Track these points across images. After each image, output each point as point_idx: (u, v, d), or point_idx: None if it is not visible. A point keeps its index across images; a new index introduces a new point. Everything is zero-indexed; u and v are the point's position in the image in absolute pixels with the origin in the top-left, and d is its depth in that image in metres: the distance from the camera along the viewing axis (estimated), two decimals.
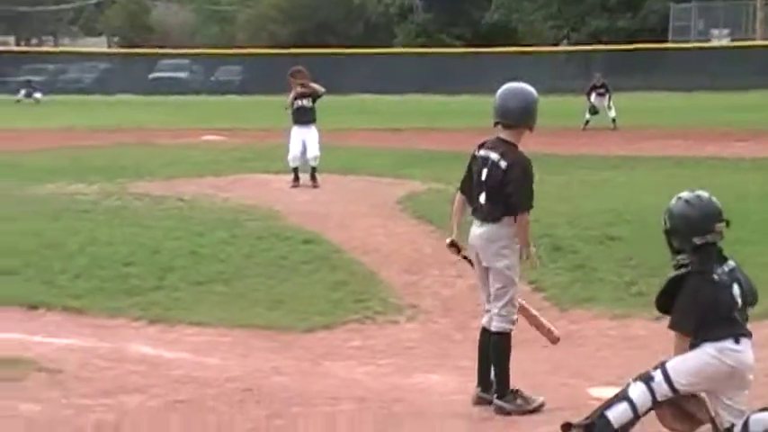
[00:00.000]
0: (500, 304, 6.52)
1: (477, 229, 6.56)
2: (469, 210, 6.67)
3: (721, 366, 5.28)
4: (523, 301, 6.75)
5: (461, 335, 8.45)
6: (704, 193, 5.33)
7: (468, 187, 6.65)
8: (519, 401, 6.47)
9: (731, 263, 5.34)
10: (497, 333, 6.53)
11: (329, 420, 6.33)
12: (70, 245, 11.43)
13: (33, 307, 9.16)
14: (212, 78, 63.08)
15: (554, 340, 6.84)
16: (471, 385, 6.74)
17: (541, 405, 6.49)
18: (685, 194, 5.37)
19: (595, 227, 12.00)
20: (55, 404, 6.49)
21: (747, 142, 23.90)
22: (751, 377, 5.43)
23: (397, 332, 8.60)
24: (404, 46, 68.26)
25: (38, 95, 49.51)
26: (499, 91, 6.64)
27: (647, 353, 7.69)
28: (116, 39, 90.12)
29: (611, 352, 7.89)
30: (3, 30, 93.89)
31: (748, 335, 5.34)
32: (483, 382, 6.59)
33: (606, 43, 59.07)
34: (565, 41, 66.41)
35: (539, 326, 6.79)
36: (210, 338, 8.30)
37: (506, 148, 6.50)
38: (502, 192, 6.41)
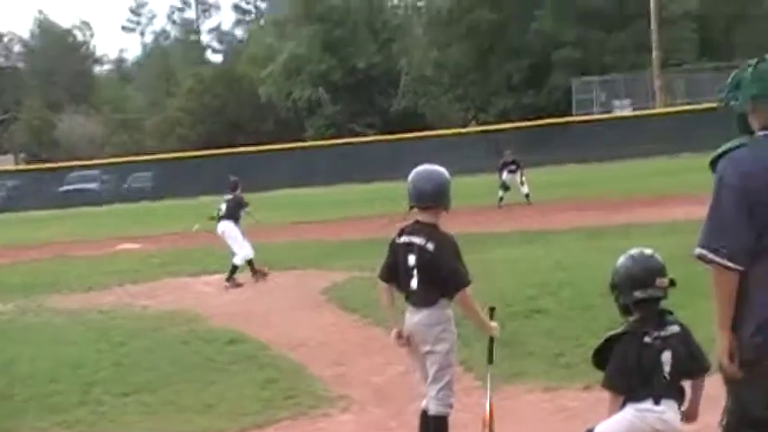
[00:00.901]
0: (438, 387, 6.49)
1: (414, 316, 6.54)
2: (397, 296, 6.65)
3: (644, 427, 5.30)
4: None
5: (396, 422, 8.37)
6: (647, 250, 5.39)
7: (394, 275, 6.63)
8: None
9: (674, 327, 5.32)
10: (435, 417, 6.48)
11: None
12: None
13: None
14: (124, 186, 62.74)
15: None
16: None
17: None
18: (631, 251, 5.44)
19: (519, 302, 12.07)
20: None
21: (658, 207, 24.37)
22: None
23: (331, 425, 8.48)
24: (315, 139, 68.76)
25: None
26: (411, 174, 6.67)
27: (579, 423, 7.70)
28: (22, 155, 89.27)
29: (545, 426, 7.87)
30: None
31: (673, 397, 5.34)
32: None
33: (514, 121, 60.18)
34: (473, 122, 67.45)
35: None
36: None
37: (429, 230, 6.51)
38: (436, 275, 6.40)
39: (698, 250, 4.71)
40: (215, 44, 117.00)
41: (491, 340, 6.78)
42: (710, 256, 4.66)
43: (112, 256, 24.59)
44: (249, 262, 17.61)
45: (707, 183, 4.83)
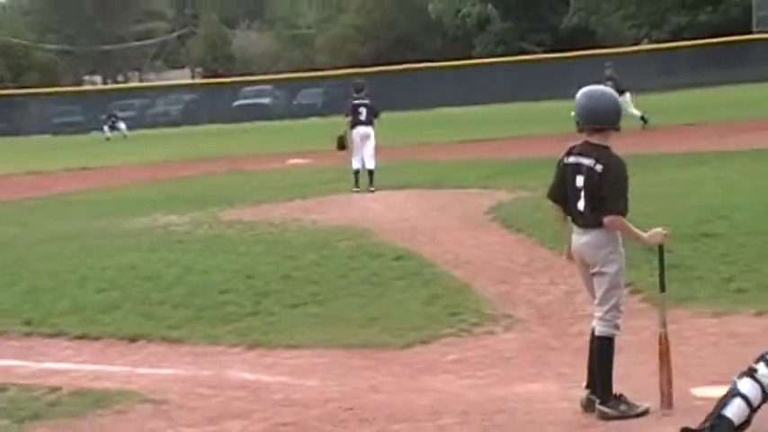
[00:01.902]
0: (605, 308, 6.44)
1: (581, 237, 6.47)
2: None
3: None
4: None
5: (559, 342, 8.37)
6: None
7: (562, 195, 6.56)
8: (623, 407, 6.37)
9: None
10: (600, 338, 6.46)
11: None
12: (166, 276, 11.61)
13: (133, 339, 9.31)
14: (295, 102, 63.68)
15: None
16: (572, 392, 6.67)
17: (646, 411, 6.38)
18: None
19: (689, 225, 11.81)
20: None
21: None
22: None
23: (495, 343, 8.54)
24: (483, 56, 68.08)
25: (122, 126, 50.28)
26: (579, 95, 6.52)
27: (749, 350, 7.53)
28: (199, 70, 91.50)
29: (712, 351, 7.75)
30: (88, 69, 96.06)
31: None
32: (591, 383, 6.52)
33: (688, 39, 58.24)
34: (645, 40, 65.59)
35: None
36: (308, 360, 8.35)
37: (599, 151, 6.39)
38: (600, 195, 6.32)
39: None
40: None
41: (661, 253, 6.60)
42: None
43: (283, 171, 25.11)
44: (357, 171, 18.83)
45: None
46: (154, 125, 59.26)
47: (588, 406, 6.48)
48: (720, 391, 5.73)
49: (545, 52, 66.56)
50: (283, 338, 8.94)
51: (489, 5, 73.91)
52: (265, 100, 64.03)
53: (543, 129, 30.77)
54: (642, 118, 29.07)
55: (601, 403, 6.38)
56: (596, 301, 6.49)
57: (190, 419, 6.90)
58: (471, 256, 11.82)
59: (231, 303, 10.20)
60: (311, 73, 66.92)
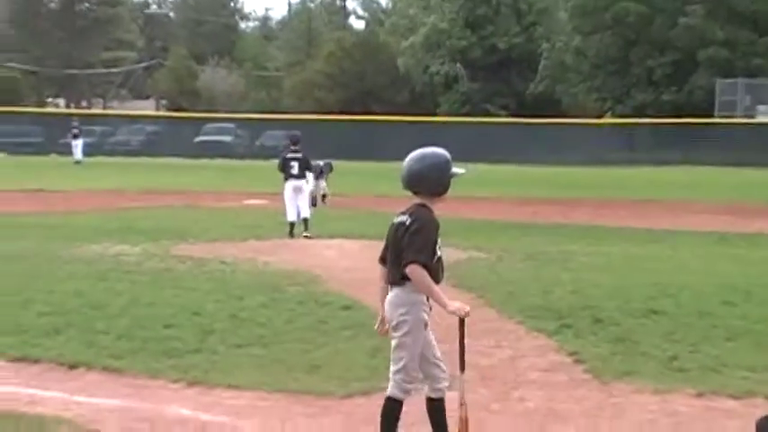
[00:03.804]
0: (393, 368, 6.42)
1: (388, 295, 6.46)
2: None
3: None
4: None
5: (500, 406, 8.37)
6: None
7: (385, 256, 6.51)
8: None
9: None
10: (387, 397, 6.43)
11: None
12: (113, 305, 11.52)
13: (74, 366, 9.19)
14: (257, 143, 63.67)
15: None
16: None
17: None
18: None
19: (638, 299, 11.92)
20: None
21: None
22: None
23: None
24: (448, 115, 68.66)
25: (77, 145, 49.82)
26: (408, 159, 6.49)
27: (687, 429, 7.59)
28: (164, 102, 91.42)
29: (652, 428, 7.78)
30: (53, 92, 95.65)
31: None
32: None
33: (651, 117, 59.11)
34: (609, 114, 66.50)
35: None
36: (249, 402, 8.28)
37: (416, 208, 6.38)
38: (401, 247, 6.26)
39: None
40: (359, 10, 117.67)
41: (461, 329, 6.50)
42: None
43: (240, 211, 25.07)
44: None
45: None
46: (113, 153, 58.99)
47: None
48: None
49: (509, 116, 67.27)
50: (225, 378, 8.86)
51: (458, 65, 74.67)
52: (227, 138, 63.97)
53: (501, 191, 30.96)
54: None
55: None
56: (391, 361, 6.45)
57: None
58: None
59: (175, 338, 10.12)
60: (276, 115, 67.07)
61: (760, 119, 59.32)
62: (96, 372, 9.07)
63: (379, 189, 31.97)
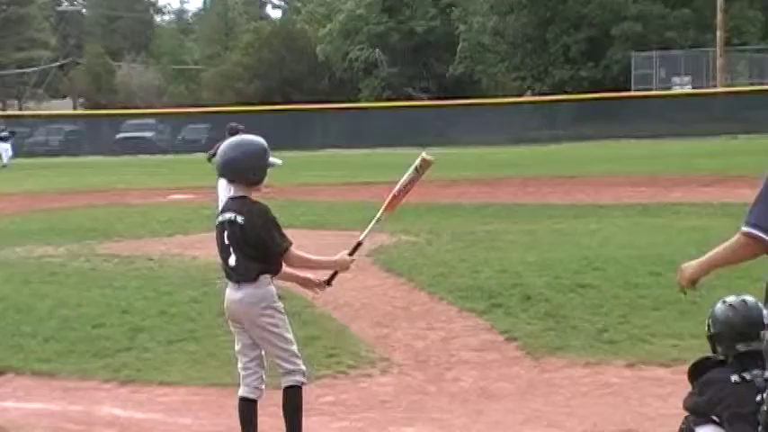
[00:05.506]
0: (284, 357, 6.43)
1: (235, 293, 6.37)
2: None
3: None
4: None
5: (435, 387, 8.41)
6: (748, 298, 5.12)
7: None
8: None
9: None
10: (290, 387, 6.46)
11: None
12: (39, 308, 11.34)
13: (1, 372, 9.05)
14: (179, 137, 63.11)
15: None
16: None
17: None
18: (730, 298, 5.24)
19: (566, 275, 12.04)
20: None
21: (711, 188, 24.13)
22: None
23: (370, 386, 8.54)
24: (369, 100, 68.69)
25: (5, 150, 48.99)
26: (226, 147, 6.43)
27: (620, 400, 7.70)
28: (81, 100, 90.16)
29: (583, 401, 7.88)
30: None
31: None
32: None
33: (570, 93, 59.70)
34: (529, 92, 67.03)
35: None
36: (182, 398, 8.23)
37: (238, 203, 6.30)
38: (252, 250, 6.19)
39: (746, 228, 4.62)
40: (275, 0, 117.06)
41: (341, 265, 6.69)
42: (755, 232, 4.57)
43: (165, 206, 24.83)
44: None
45: (764, 165, 4.78)
46: (32, 154, 58.06)
47: None
48: None
49: (430, 99, 67.49)
50: (157, 375, 8.80)
51: (377, 50, 74.69)
52: (148, 134, 63.33)
53: (427, 174, 31.01)
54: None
55: None
56: (272, 357, 6.43)
57: None
58: (351, 298, 11.81)
59: (105, 338, 10.01)
60: (197, 109, 66.54)
61: (675, 90, 60.27)
62: (25, 376, 8.94)
63: (304, 178, 31.92)
